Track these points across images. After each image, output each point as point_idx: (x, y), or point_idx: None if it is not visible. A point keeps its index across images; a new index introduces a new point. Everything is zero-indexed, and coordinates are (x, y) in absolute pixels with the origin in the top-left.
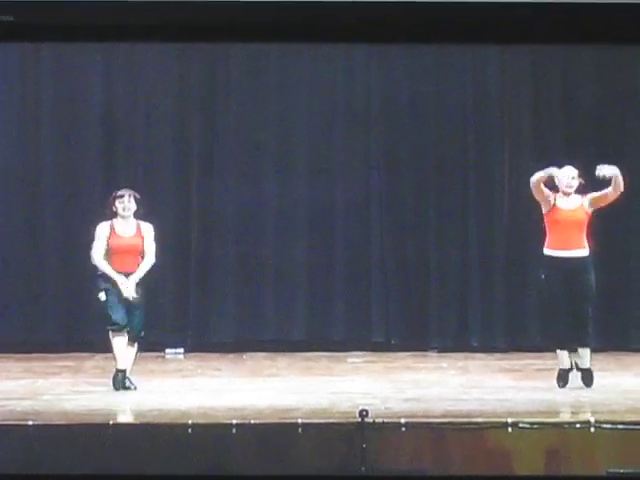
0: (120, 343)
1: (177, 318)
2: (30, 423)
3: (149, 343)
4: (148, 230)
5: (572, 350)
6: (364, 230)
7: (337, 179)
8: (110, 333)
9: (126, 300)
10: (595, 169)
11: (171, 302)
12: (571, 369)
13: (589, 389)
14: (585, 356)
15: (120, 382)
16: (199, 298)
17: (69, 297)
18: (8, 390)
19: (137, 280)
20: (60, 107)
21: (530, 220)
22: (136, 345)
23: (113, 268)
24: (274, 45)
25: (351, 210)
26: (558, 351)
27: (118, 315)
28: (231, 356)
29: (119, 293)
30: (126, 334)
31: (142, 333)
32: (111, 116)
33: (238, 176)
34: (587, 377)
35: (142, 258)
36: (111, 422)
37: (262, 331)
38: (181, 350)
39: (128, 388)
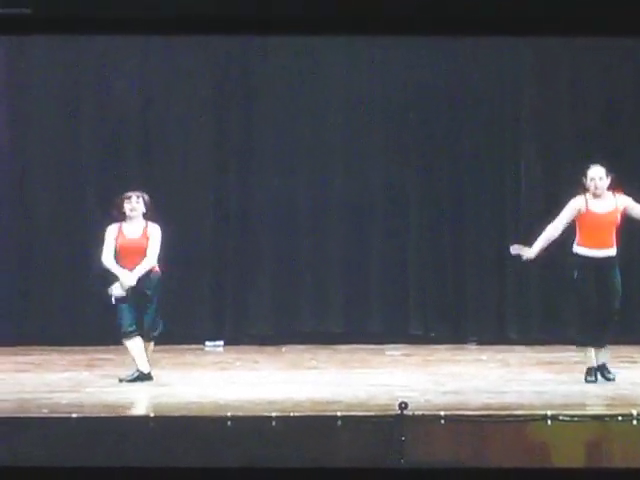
0: (135, 346)
1: (216, 311)
2: (74, 415)
3: (189, 336)
4: (154, 231)
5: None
6: (401, 222)
7: (373, 172)
8: (123, 339)
9: (138, 299)
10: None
11: (210, 295)
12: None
13: (630, 382)
14: (607, 353)
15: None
16: (237, 291)
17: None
18: (53, 383)
19: (137, 275)
20: (94, 99)
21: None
22: (151, 344)
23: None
24: (309, 39)
25: (387, 203)
26: (587, 349)
27: (126, 321)
28: (270, 349)
29: (128, 296)
30: (139, 336)
31: (156, 332)
32: (146, 112)
33: (275, 169)
34: (608, 371)
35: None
36: (152, 414)
37: (300, 324)
38: (220, 343)
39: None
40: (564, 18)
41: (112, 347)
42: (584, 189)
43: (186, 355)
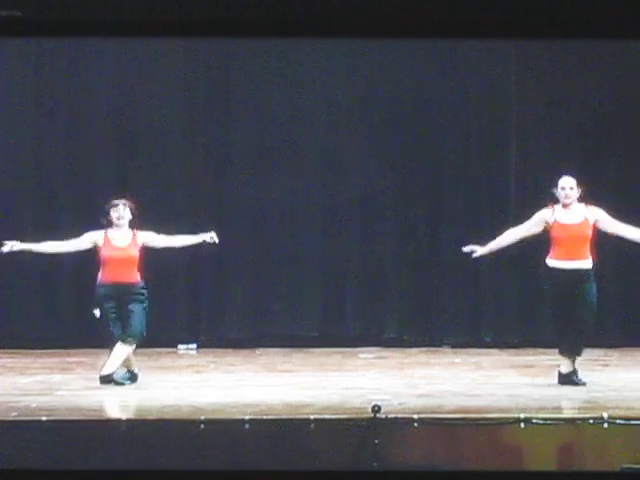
0: (122, 351)
1: (190, 314)
2: (44, 419)
3: (162, 339)
4: (146, 235)
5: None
6: (376, 226)
7: (349, 175)
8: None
9: (124, 311)
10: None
11: (184, 298)
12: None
13: (603, 385)
14: (574, 362)
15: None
16: (212, 294)
17: (84, 294)
18: (24, 386)
19: (185, 243)
20: (70, 104)
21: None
22: (129, 350)
23: (104, 280)
24: (284, 41)
25: (363, 206)
26: (561, 356)
27: (116, 329)
28: (244, 352)
29: (111, 310)
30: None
31: (135, 338)
32: (120, 114)
33: (250, 172)
34: (576, 375)
35: (138, 270)
36: (124, 418)
37: (275, 327)
38: (194, 346)
39: (122, 384)
40: (551, 21)
41: (85, 350)
42: (555, 200)
43: (160, 358)
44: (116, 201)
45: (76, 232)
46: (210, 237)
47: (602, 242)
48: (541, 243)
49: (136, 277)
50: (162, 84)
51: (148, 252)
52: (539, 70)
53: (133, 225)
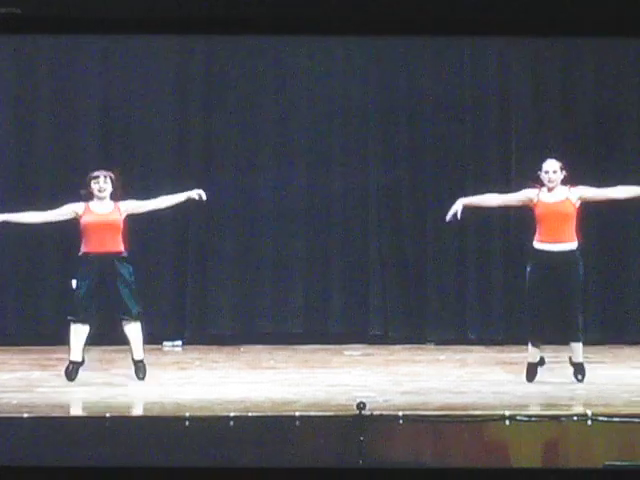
0: (77, 333)
1: (175, 310)
2: (25, 415)
3: (147, 335)
4: (128, 203)
5: (544, 344)
6: (362, 223)
7: (335, 171)
8: (70, 322)
9: (109, 288)
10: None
11: (169, 294)
12: (540, 363)
13: (586, 383)
14: (577, 350)
15: (73, 374)
16: (197, 290)
17: (66, 289)
18: (4, 382)
19: (168, 203)
20: (60, 99)
21: (528, 212)
22: (139, 327)
23: (86, 250)
24: (273, 38)
25: (349, 203)
26: (530, 345)
27: (81, 306)
28: (229, 349)
29: (91, 282)
30: (87, 325)
31: (136, 311)
32: (109, 109)
33: (236, 168)
34: (579, 371)
35: (122, 237)
36: (108, 414)
37: (260, 324)
38: (179, 342)
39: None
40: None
41: (66, 347)
42: (541, 183)
43: (145, 355)
44: (97, 172)
45: (52, 226)
46: (197, 194)
47: (583, 245)
48: (529, 237)
49: (120, 246)
50: (152, 78)
51: (132, 246)
52: (538, 69)
53: (115, 198)
